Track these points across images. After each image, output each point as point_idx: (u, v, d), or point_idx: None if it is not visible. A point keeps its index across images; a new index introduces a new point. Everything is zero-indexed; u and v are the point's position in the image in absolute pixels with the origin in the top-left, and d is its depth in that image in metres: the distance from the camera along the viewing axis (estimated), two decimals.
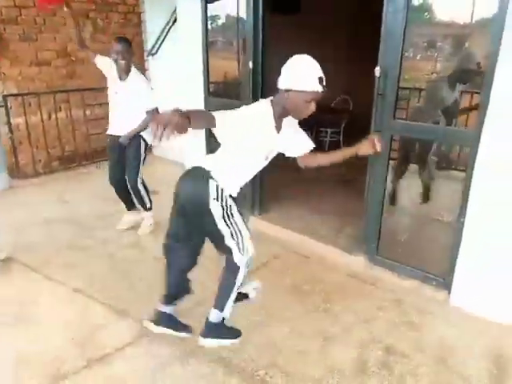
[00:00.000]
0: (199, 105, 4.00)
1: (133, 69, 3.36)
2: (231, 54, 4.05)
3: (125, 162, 3.50)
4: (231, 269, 2.11)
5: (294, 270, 3.15)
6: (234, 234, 2.06)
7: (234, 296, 2.16)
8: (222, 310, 2.15)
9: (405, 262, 2.96)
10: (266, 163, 2.19)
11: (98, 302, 2.72)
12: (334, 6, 5.86)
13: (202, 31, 3.84)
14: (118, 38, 3.33)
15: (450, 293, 2.75)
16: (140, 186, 3.54)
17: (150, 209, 3.68)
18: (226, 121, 1.85)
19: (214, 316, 2.17)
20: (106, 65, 3.40)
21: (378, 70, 2.68)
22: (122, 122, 3.43)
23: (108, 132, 3.54)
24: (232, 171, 2.06)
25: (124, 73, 3.35)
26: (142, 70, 5.76)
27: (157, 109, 3.33)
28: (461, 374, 2.20)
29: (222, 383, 2.10)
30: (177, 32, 4.46)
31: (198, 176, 2.03)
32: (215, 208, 2.00)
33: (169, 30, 5.38)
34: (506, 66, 2.25)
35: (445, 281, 2.78)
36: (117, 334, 2.43)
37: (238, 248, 2.06)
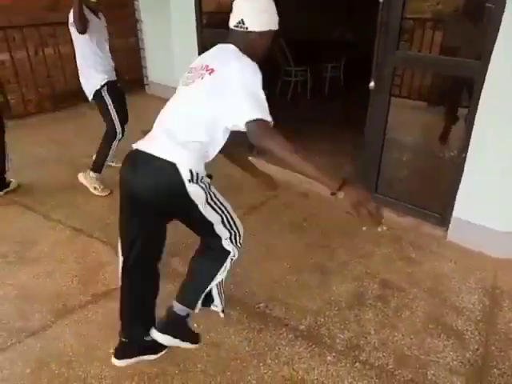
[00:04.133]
0: (192, 39, 3.79)
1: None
2: None
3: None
4: (217, 255, 1.76)
5: (292, 207, 3.16)
6: (225, 220, 1.68)
7: (205, 293, 1.82)
8: (191, 306, 1.82)
9: (404, 199, 2.96)
10: None
11: (99, 240, 2.74)
12: None
13: None
14: None
15: (447, 229, 2.78)
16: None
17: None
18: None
19: (181, 309, 1.82)
20: (88, 17, 3.01)
21: None
22: (113, 64, 3.28)
23: (110, 79, 3.24)
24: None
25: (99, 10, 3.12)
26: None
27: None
28: (455, 306, 2.28)
29: (224, 316, 2.16)
30: None
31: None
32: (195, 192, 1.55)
33: None
34: None
35: (443, 217, 2.80)
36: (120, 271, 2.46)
37: (231, 235, 1.72)
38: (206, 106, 1.54)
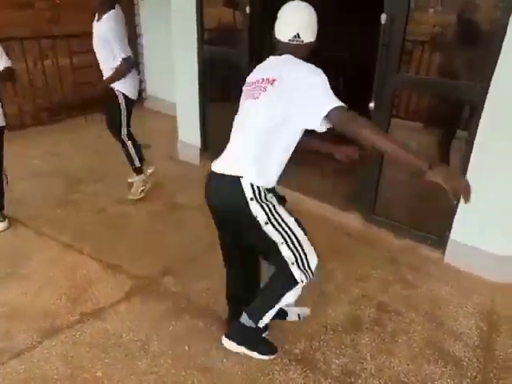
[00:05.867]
0: (193, 54, 3.80)
1: (114, 10, 2.96)
2: None
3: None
4: (285, 280, 1.77)
5: None
6: (289, 241, 1.72)
7: (274, 312, 1.84)
8: (256, 321, 1.84)
9: (401, 221, 2.94)
10: None
11: (89, 257, 2.68)
12: None
13: None
14: None
15: (444, 252, 2.75)
16: (125, 138, 3.29)
17: (140, 171, 3.42)
18: None
19: (246, 319, 1.86)
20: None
21: (383, 17, 2.52)
22: (103, 70, 3.17)
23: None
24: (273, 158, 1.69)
25: (100, 12, 2.99)
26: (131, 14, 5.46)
27: (129, 57, 3.06)
28: (452, 331, 2.23)
29: (216, 339, 2.10)
30: None
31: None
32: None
33: None
34: None
35: (440, 239, 2.77)
36: (110, 289, 2.41)
37: (296, 259, 1.73)
38: (276, 114, 1.60)
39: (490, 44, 2.31)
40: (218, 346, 2.03)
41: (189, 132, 4.18)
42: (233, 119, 1.81)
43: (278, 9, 1.76)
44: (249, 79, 1.77)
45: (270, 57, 1.76)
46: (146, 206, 3.34)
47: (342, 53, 6.11)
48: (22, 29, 4.64)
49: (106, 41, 2.98)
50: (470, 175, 2.50)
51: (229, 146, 1.76)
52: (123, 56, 3.01)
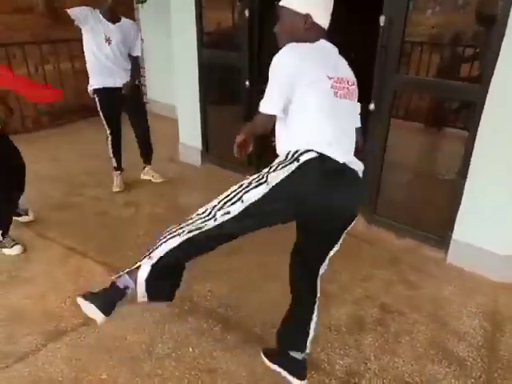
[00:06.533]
0: (193, 58, 3.82)
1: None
2: (226, 2, 3.81)
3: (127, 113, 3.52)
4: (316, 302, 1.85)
5: (290, 228, 3.11)
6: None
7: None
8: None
9: (403, 221, 2.94)
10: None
11: (93, 260, 2.69)
12: None
13: None
14: None
15: (447, 251, 2.75)
16: None
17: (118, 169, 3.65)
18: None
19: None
20: (86, 14, 3.09)
21: (382, 19, 2.54)
22: (121, 71, 3.32)
23: (102, 85, 3.29)
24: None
25: (116, 15, 3.20)
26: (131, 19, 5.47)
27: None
28: (456, 331, 2.23)
29: (220, 340, 2.11)
30: None
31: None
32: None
33: None
34: None
35: (442, 239, 2.77)
36: None
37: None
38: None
39: (489, 44, 2.32)
40: (222, 347, 2.04)
41: (190, 134, 4.20)
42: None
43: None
44: (331, 72, 1.53)
45: (323, 42, 1.59)
46: (148, 209, 3.35)
47: (345, 53, 6.16)
48: (22, 34, 4.66)
49: (124, 44, 3.28)
50: (472, 175, 2.52)
51: (340, 136, 1.55)
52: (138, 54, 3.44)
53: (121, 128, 3.48)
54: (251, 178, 1.53)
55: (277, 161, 1.54)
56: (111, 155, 3.53)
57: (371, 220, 3.06)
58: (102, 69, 3.26)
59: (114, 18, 3.20)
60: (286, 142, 1.60)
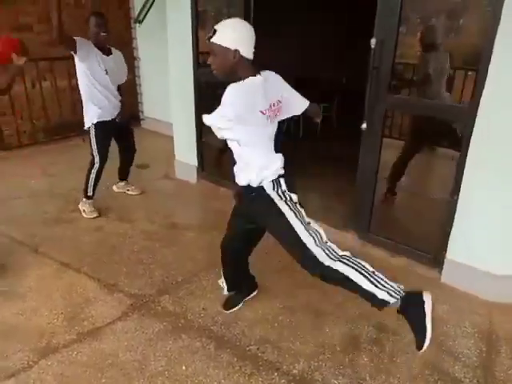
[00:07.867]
0: (188, 76, 3.88)
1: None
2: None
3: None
4: None
5: (279, 247, 3.12)
6: None
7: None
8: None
9: (396, 239, 2.96)
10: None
11: (86, 276, 2.66)
12: None
13: None
14: (96, 12, 3.23)
15: (441, 271, 2.76)
16: None
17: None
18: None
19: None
20: (89, 45, 3.13)
21: (373, 41, 2.60)
22: (116, 101, 3.40)
23: (101, 119, 3.30)
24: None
25: (107, 47, 3.27)
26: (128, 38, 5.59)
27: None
28: (451, 351, 2.22)
29: (214, 358, 2.08)
30: None
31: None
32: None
33: None
34: (505, 39, 2.18)
35: (436, 258, 2.78)
36: (106, 308, 2.39)
37: None
38: None
39: (477, 65, 2.37)
40: (216, 365, 2.01)
41: (185, 151, 4.22)
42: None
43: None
44: (263, 106, 1.88)
45: (251, 78, 1.88)
46: (143, 225, 3.34)
47: (339, 75, 6.28)
48: None
49: (117, 74, 3.39)
50: (464, 195, 2.55)
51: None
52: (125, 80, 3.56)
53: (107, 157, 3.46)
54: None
55: None
56: (91, 182, 3.41)
57: (365, 238, 3.07)
58: (100, 101, 3.27)
59: (107, 50, 3.26)
60: None
